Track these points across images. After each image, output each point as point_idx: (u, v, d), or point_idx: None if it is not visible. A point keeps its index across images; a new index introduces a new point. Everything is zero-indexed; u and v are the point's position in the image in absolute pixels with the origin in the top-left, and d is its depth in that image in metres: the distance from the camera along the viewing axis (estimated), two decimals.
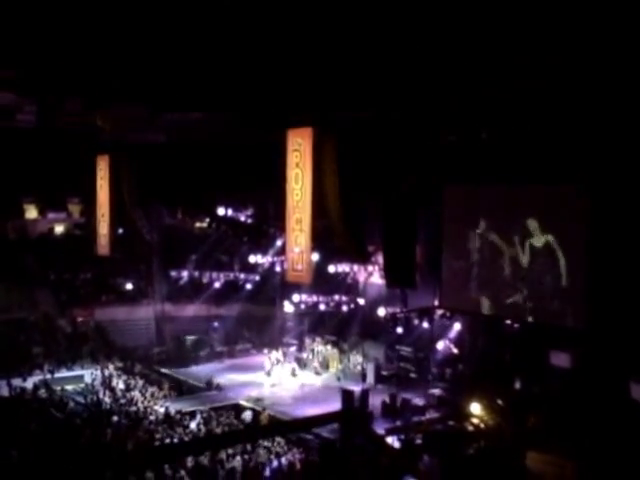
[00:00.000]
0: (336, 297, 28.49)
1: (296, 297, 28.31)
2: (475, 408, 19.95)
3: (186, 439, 18.21)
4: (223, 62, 13.24)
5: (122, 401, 22.12)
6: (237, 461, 16.49)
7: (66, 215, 36.10)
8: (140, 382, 24.53)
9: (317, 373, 26.79)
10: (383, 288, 24.22)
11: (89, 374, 25.46)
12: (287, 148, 17.12)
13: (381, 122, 16.56)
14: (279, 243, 27.68)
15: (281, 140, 17.31)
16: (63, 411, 20.90)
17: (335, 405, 19.31)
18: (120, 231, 25.39)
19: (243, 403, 22.96)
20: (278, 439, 18.14)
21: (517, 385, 20.58)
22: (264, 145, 19.18)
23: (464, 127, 16.28)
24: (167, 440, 17.89)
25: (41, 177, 25.89)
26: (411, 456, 16.96)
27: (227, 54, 12.68)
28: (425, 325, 23.26)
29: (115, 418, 19.80)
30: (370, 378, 24.92)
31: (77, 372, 25.82)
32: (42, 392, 23.02)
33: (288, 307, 29.06)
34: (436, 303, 21.32)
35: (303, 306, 28.83)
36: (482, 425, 19.48)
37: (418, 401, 22.09)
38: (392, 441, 18.31)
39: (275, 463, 16.85)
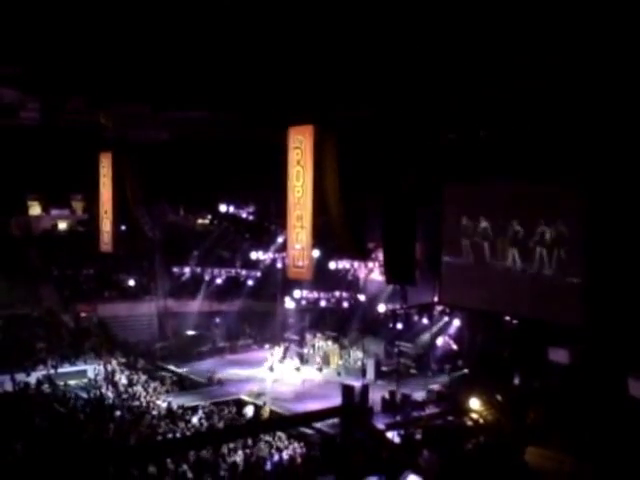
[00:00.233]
0: (337, 293, 28.64)
1: (297, 293, 28.45)
2: (474, 403, 20.07)
3: (188, 434, 18.28)
4: (225, 61, 13.31)
5: (125, 396, 22.23)
6: (239, 455, 16.60)
7: (69, 212, 36.17)
8: (142, 377, 24.63)
9: (319, 369, 26.95)
10: (383, 285, 24.32)
11: (92, 369, 25.60)
12: (288, 146, 17.20)
13: (381, 120, 16.64)
14: (280, 240, 27.80)
15: (283, 138, 17.39)
16: (66, 406, 20.95)
17: (335, 400, 19.38)
18: (123, 228, 25.51)
19: (244, 398, 23.11)
20: (279, 434, 18.23)
21: (516, 381, 20.71)
22: (266, 143, 19.28)
23: (463, 126, 16.35)
24: (169, 435, 17.97)
25: (44, 174, 25.97)
26: (411, 451, 17.01)
27: (229, 53, 12.74)
28: (425, 321, 23.42)
29: (118, 413, 19.91)
30: (370, 374, 25.05)
31: (80, 367, 25.90)
32: (45, 387, 23.13)
33: (289, 303, 29.20)
34: (436, 299, 21.43)
35: (304, 302, 28.96)
36: (481, 420, 19.60)
37: (418, 396, 22.24)
38: (392, 436, 18.40)
39: (276, 457, 17.01)
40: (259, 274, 31.31)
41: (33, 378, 23.97)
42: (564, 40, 11.10)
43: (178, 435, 17.93)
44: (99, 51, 13.06)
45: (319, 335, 28.57)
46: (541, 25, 10.65)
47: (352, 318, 28.59)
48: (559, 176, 15.64)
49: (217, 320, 31.46)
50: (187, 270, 32.26)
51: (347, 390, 19.17)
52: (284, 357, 27.13)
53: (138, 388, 23.09)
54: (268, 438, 17.98)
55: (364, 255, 21.70)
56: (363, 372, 25.03)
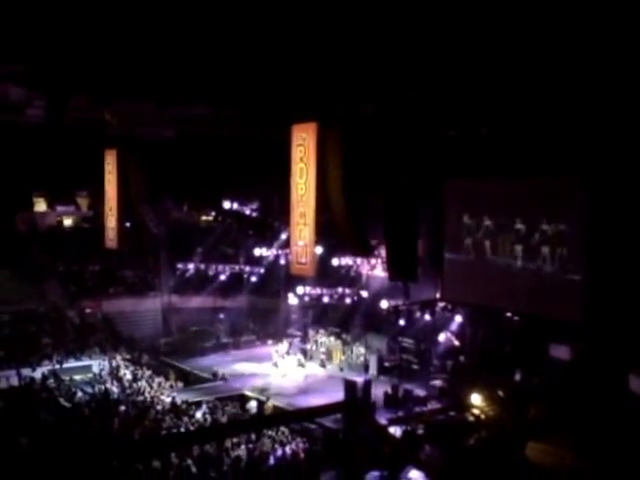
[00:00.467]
0: (339, 290, 28.74)
1: (300, 289, 28.54)
2: (476, 399, 20.21)
3: (192, 428, 18.38)
4: (228, 58, 13.38)
5: (129, 391, 22.37)
6: (242, 450, 16.74)
7: (74, 208, 36.32)
8: (147, 372, 24.75)
9: (322, 364, 27.08)
10: (386, 281, 24.38)
11: (97, 364, 25.76)
12: (292, 143, 17.27)
13: (384, 118, 16.72)
14: (283, 236, 27.89)
15: (286, 135, 17.47)
16: (71, 401, 21.15)
17: (338, 396, 19.46)
18: (128, 224, 25.63)
19: (248, 393, 23.23)
20: (282, 429, 18.34)
21: (517, 377, 20.80)
22: (269, 140, 19.35)
23: (465, 122, 16.41)
24: (173, 429, 18.11)
25: (50, 171, 26.04)
26: (413, 446, 17.15)
27: (232, 50, 12.82)
28: (427, 317, 23.51)
29: (122, 408, 20.01)
30: (373, 369, 25.18)
31: (85, 362, 26.06)
32: (51, 382, 23.28)
33: (292, 299, 29.30)
34: (438, 296, 21.53)
35: (307, 298, 29.05)
36: (483, 416, 19.73)
37: (420, 392, 22.35)
38: (394, 431, 18.51)
39: (279, 452, 17.12)
40: (262, 270, 31.46)
41: (38, 373, 24.13)
42: (564, 40, 11.16)
43: (182, 430, 18.04)
44: (103, 48, 13.15)
45: (322, 331, 28.69)
46: (541, 25, 10.70)
47: (355, 314, 28.71)
48: (560, 174, 15.72)
49: (221, 316, 31.57)
50: (191, 266, 32.44)
51: (350, 385, 19.28)
52: (287, 353, 27.26)
53: (142, 383, 23.21)
54: (271, 433, 18.07)
55: (367, 252, 21.73)
56: (366, 368, 25.17)
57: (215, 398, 22.27)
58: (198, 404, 21.05)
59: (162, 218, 30.68)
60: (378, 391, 21.45)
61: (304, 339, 28.98)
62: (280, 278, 30.58)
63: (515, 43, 11.44)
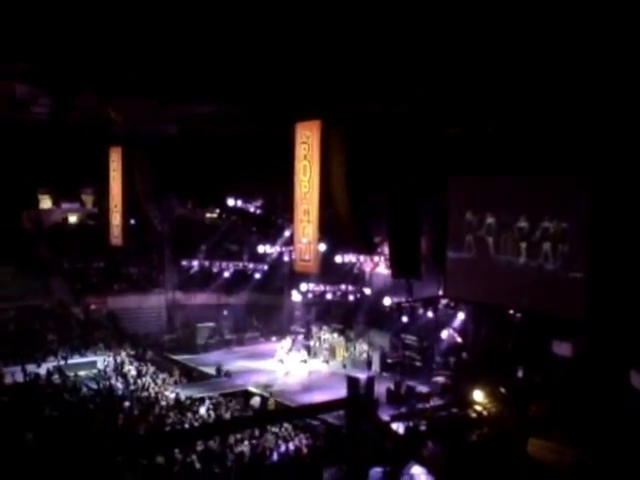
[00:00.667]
0: (343, 287, 28.82)
1: (304, 286, 28.65)
2: (478, 396, 20.26)
3: (196, 424, 18.51)
4: (232, 55, 13.43)
5: (133, 387, 22.48)
6: (245, 446, 16.83)
7: (79, 205, 36.34)
8: (151, 369, 24.86)
9: (325, 361, 27.15)
10: (389, 278, 24.47)
11: (102, 360, 25.86)
12: (295, 140, 17.31)
13: (388, 115, 16.76)
14: (287, 234, 27.97)
15: (290, 133, 17.53)
16: (76, 396, 21.22)
17: (341, 392, 19.49)
18: (132, 221, 25.72)
19: (251, 390, 23.32)
20: (285, 425, 18.44)
21: (519, 373, 20.85)
22: (273, 137, 19.41)
23: (468, 121, 16.45)
24: (177, 425, 18.21)
25: (55, 168, 26.17)
26: (415, 442, 17.22)
27: (236, 48, 12.87)
28: (430, 314, 23.58)
29: (127, 403, 20.16)
30: (375, 366, 25.27)
31: (90, 358, 26.14)
32: (56, 378, 23.37)
33: (296, 296, 29.40)
34: (441, 293, 21.59)
35: (310, 295, 29.18)
36: (485, 412, 19.78)
37: (422, 388, 22.45)
38: (397, 427, 18.60)
39: (282, 448, 17.20)
40: (266, 267, 31.54)
41: (43, 369, 24.20)
42: (564, 40, 11.19)
43: (186, 426, 18.15)
44: (109, 46, 13.21)
45: (325, 328, 28.78)
46: (541, 25, 10.73)
47: (358, 311, 28.81)
48: (563, 171, 15.75)
49: (225, 313, 31.68)
50: (195, 263, 32.52)
51: (352, 382, 19.17)
52: (291, 350, 27.36)
53: (147, 379, 23.32)
54: (275, 429, 18.19)
55: (370, 249, 21.80)
56: (368, 364, 25.27)
57: (219, 394, 22.37)
58: (202, 400, 21.13)
59: (166, 215, 30.68)
60: (381, 388, 21.46)
61: (307, 336, 29.05)
62: (284, 275, 30.71)
63: (517, 43, 11.48)
